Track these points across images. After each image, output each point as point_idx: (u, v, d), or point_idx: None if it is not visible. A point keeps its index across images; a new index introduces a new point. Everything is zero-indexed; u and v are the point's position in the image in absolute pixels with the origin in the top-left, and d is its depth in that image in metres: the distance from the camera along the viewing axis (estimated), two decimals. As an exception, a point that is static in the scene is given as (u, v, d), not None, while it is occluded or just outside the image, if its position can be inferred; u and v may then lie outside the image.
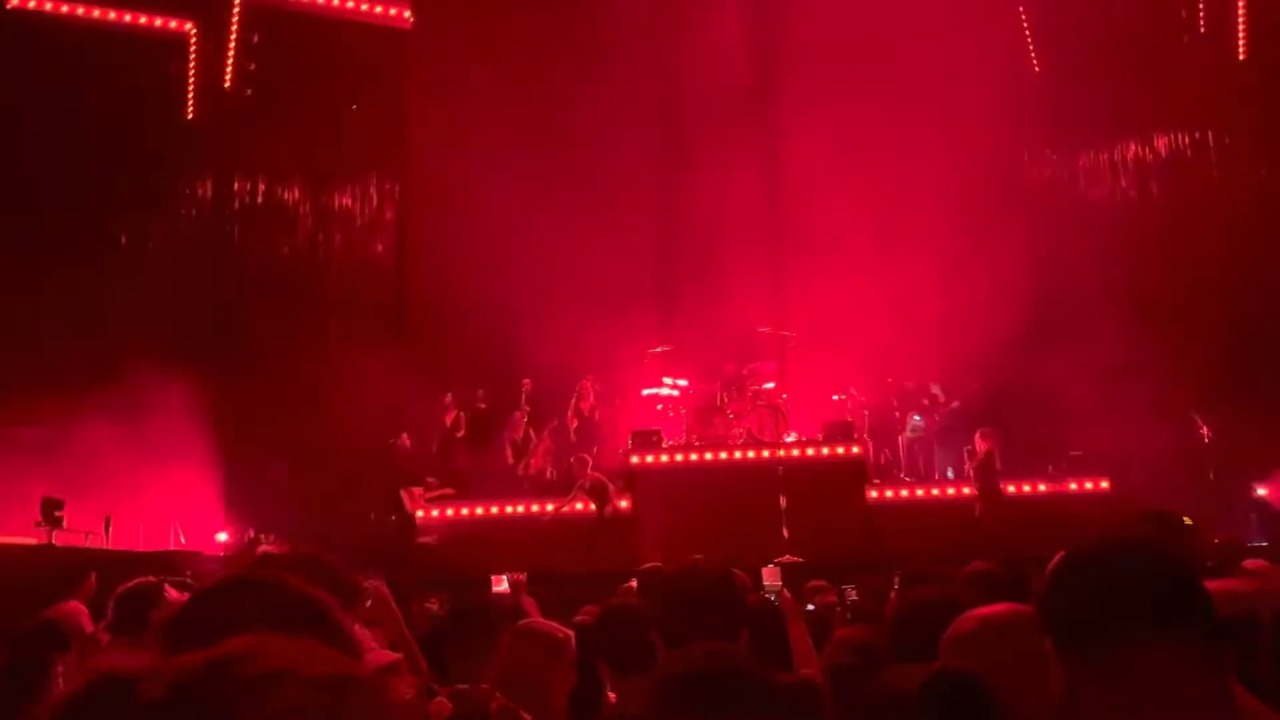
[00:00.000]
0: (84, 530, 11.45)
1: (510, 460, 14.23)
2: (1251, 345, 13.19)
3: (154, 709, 0.60)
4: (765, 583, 7.65)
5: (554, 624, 3.16)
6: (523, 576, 5.41)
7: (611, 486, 12.34)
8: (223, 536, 13.44)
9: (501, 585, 5.60)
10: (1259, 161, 15.06)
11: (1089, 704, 1.27)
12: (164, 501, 12.98)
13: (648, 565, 8.78)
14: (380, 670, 2.43)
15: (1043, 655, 1.59)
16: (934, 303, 14.25)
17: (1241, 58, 15.08)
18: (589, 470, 12.41)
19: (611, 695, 2.99)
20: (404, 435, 13.91)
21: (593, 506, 12.31)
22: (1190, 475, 12.60)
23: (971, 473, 12.61)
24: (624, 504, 12.47)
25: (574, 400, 14.18)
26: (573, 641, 2.98)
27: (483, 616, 3.90)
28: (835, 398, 14.24)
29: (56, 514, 11.14)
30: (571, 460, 12.93)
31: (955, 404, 13.87)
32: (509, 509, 13.04)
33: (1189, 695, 1.20)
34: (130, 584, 3.37)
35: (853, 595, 7.93)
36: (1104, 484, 12.65)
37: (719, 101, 15.25)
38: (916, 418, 13.95)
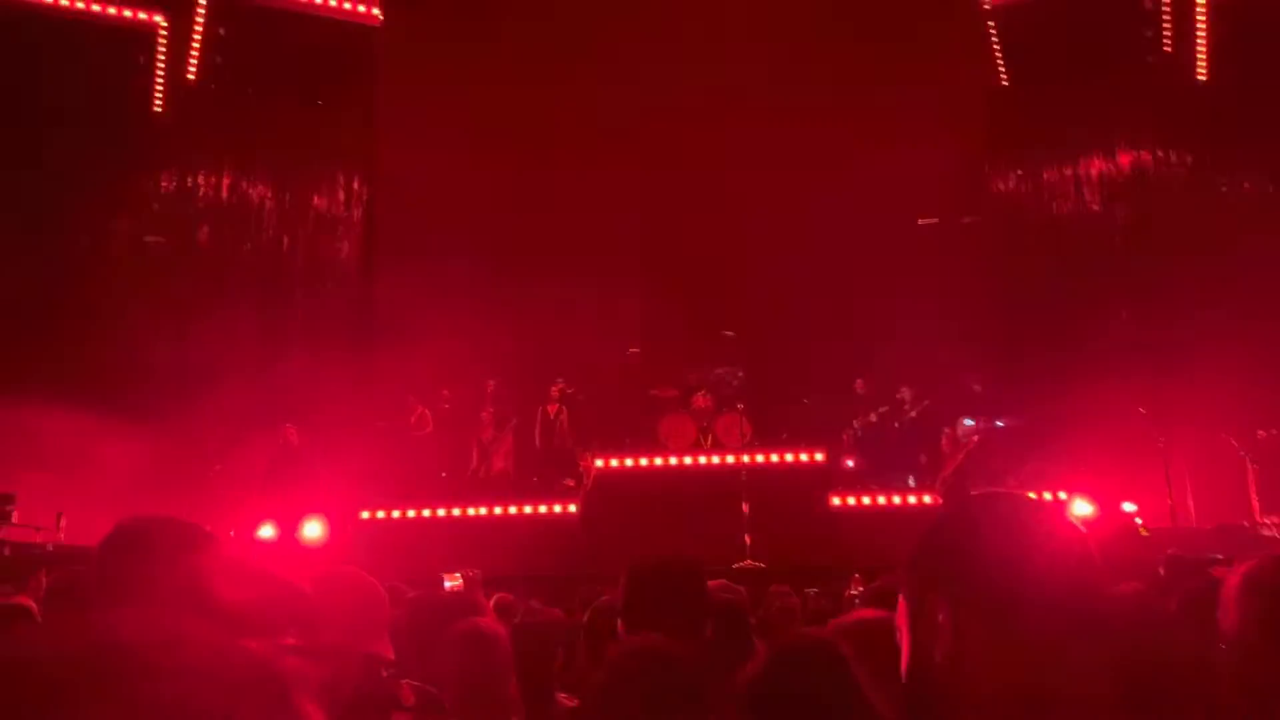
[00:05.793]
0: (34, 525, 11.20)
1: (475, 462, 14.12)
2: (1212, 359, 13.27)
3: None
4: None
5: (489, 622, 3.13)
6: (478, 573, 5.34)
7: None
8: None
9: (454, 580, 5.50)
10: (1218, 179, 15.28)
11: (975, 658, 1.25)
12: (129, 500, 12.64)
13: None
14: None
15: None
16: (898, 310, 14.29)
17: (1202, 78, 15.30)
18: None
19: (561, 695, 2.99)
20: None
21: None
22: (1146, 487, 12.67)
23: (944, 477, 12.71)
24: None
25: (542, 406, 14.12)
26: (504, 638, 2.95)
27: (436, 614, 3.85)
28: (805, 401, 14.34)
29: (6, 509, 10.90)
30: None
31: (914, 413, 13.98)
32: (470, 510, 12.91)
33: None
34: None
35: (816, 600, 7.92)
36: (1062, 495, 12.74)
37: (690, 101, 15.14)
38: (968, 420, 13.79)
